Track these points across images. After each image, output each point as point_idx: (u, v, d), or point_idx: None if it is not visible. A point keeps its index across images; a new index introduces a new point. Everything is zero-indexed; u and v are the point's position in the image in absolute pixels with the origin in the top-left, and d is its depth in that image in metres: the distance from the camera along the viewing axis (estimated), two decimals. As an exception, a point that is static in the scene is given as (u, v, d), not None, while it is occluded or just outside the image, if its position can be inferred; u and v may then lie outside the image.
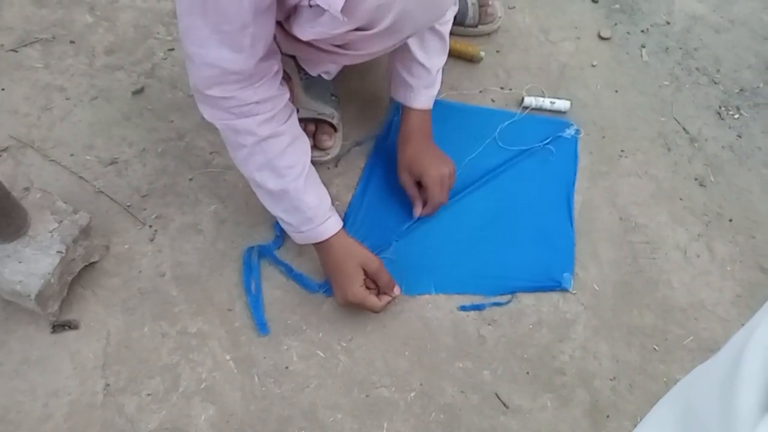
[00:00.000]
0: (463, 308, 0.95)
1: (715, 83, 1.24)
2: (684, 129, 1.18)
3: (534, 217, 1.04)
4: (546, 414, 0.89)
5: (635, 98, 1.20)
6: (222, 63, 0.74)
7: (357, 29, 0.70)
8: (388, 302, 0.90)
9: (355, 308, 0.90)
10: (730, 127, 1.19)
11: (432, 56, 0.95)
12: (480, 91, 1.17)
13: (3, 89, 1.06)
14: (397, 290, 0.91)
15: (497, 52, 1.22)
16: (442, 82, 1.00)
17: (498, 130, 1.11)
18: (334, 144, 1.05)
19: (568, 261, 1.01)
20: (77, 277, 0.89)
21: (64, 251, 0.85)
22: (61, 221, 0.87)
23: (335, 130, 1.05)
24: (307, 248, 0.94)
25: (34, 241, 0.85)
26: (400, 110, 1.00)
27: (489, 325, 0.95)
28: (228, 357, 0.89)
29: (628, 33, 1.29)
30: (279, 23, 0.87)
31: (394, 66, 0.97)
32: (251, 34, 0.72)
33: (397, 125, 1.02)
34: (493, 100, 1.16)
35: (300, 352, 0.90)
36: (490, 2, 1.20)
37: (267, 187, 0.84)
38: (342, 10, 0.65)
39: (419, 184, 0.98)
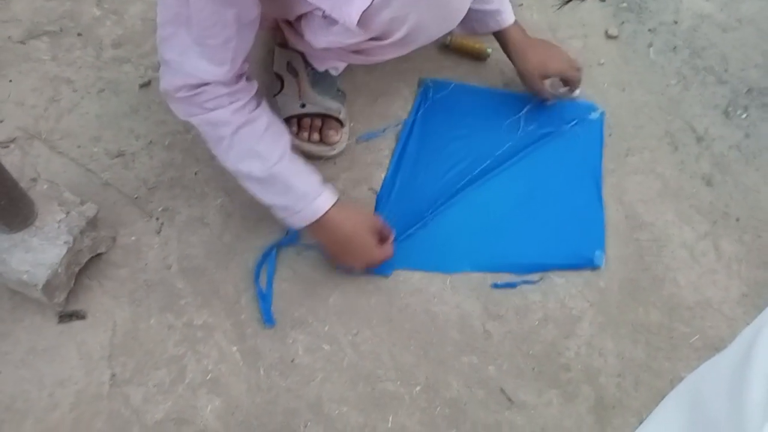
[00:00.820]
0: (496, 286, 0.97)
1: (723, 82, 1.24)
2: (691, 128, 1.18)
3: (563, 197, 1.06)
4: (551, 410, 0.89)
5: (642, 97, 1.20)
6: (198, 73, 0.75)
7: (371, 39, 0.70)
8: None
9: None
10: (737, 127, 1.19)
11: None
12: (483, 87, 1.17)
13: (11, 81, 1.06)
14: (392, 233, 0.93)
15: (504, 49, 1.22)
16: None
17: (526, 109, 1.13)
18: (340, 139, 1.05)
19: (598, 239, 1.02)
20: (84, 268, 0.89)
21: (71, 242, 0.85)
22: (68, 212, 0.87)
23: (342, 125, 1.05)
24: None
25: (41, 231, 0.85)
26: (496, 38, 1.06)
27: (495, 320, 0.95)
28: (234, 349, 0.89)
29: (636, 31, 1.29)
30: (288, 22, 0.87)
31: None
32: (233, 49, 0.72)
33: (425, 108, 1.09)
34: (500, 97, 1.16)
35: (306, 345, 0.90)
36: None
37: (254, 175, 0.83)
38: (357, 23, 0.65)
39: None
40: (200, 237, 0.97)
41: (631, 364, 0.94)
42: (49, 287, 0.83)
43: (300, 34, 0.80)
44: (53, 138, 1.02)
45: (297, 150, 0.88)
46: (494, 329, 0.94)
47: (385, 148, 1.08)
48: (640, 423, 0.93)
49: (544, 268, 0.99)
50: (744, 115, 1.21)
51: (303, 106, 1.01)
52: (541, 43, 1.06)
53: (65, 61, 1.10)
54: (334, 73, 1.05)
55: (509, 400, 0.89)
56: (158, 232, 0.96)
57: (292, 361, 0.89)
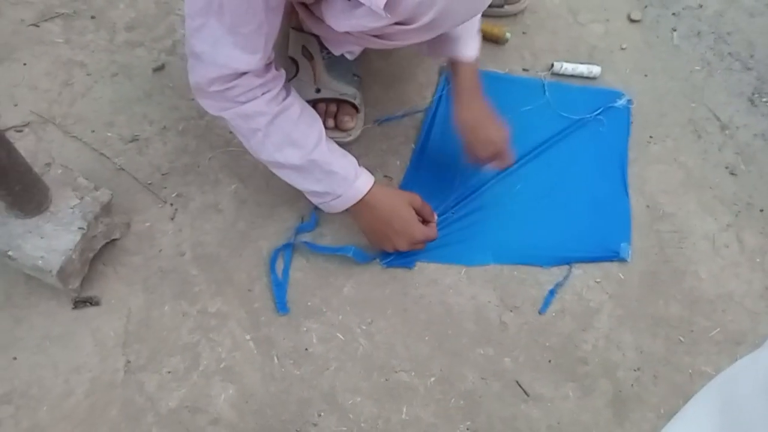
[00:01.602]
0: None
1: (749, 69, 1.20)
2: (715, 116, 1.14)
3: (589, 188, 1.04)
4: (568, 403, 0.88)
5: (665, 83, 1.17)
6: (233, 63, 0.73)
7: (396, 23, 0.68)
8: None
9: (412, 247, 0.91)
10: (762, 115, 1.15)
11: None
12: (505, 74, 1.14)
13: (24, 64, 1.05)
14: (434, 215, 0.93)
15: (523, 33, 1.19)
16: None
17: (549, 96, 1.11)
18: (355, 125, 1.03)
19: (625, 231, 1.00)
20: (98, 254, 0.89)
21: (85, 228, 0.84)
22: (82, 198, 0.87)
23: (357, 110, 1.03)
24: (343, 222, 0.94)
25: (56, 217, 0.85)
26: (448, 71, 0.98)
27: (511, 311, 0.94)
28: (248, 337, 0.89)
29: (659, 16, 1.25)
30: (303, 4, 0.85)
31: None
32: (265, 34, 0.71)
33: (446, 98, 1.04)
34: (518, 83, 1.14)
35: (320, 335, 0.90)
36: (517, -19, 1.17)
37: (292, 162, 0.82)
38: (384, 6, 0.63)
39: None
40: (214, 224, 0.96)
41: (650, 358, 0.92)
42: (63, 273, 0.82)
43: (316, 17, 0.77)
44: (67, 122, 1.01)
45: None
46: (510, 321, 0.93)
47: (400, 135, 1.06)
48: (658, 418, 0.91)
49: (569, 260, 0.97)
50: (771, 103, 1.17)
51: (318, 91, 1.00)
52: (487, 104, 0.93)
53: (78, 45, 1.08)
54: (350, 57, 1.03)
55: (525, 393, 0.88)
56: (172, 219, 0.95)
57: (306, 350, 0.89)
